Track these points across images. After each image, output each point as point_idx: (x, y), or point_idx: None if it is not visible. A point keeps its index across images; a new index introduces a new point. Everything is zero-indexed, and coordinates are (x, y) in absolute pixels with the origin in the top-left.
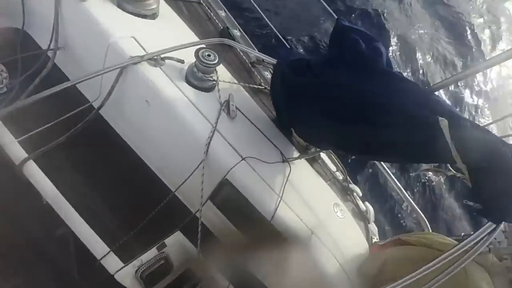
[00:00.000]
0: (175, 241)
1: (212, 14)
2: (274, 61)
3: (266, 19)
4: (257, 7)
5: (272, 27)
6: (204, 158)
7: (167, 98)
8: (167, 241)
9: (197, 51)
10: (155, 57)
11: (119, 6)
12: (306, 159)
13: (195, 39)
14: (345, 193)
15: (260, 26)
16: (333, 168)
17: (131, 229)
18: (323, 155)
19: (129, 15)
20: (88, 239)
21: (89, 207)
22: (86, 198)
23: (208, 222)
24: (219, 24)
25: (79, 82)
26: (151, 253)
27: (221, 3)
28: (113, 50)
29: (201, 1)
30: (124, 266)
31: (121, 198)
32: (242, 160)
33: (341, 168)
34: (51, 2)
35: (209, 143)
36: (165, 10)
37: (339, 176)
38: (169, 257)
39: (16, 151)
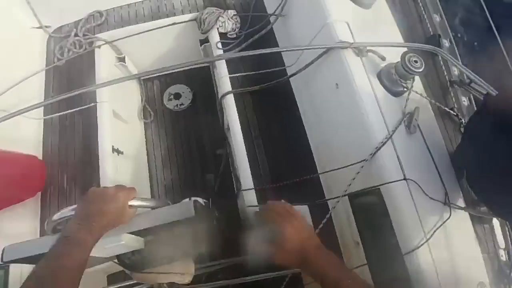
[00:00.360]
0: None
1: (425, 16)
2: (489, 89)
3: (496, 32)
4: (488, 16)
5: (500, 42)
6: (368, 159)
7: (357, 89)
8: (295, 208)
9: (405, 54)
10: (361, 48)
11: None
12: (470, 215)
13: (399, 38)
14: (499, 280)
15: (480, 39)
16: (500, 243)
17: (273, 183)
18: (495, 220)
19: (348, 0)
20: (243, 170)
21: (253, 147)
22: (254, 139)
23: (335, 216)
24: (429, 28)
25: (287, 51)
26: None
27: (439, 5)
28: (327, 30)
29: (419, 0)
30: (257, 206)
31: (277, 155)
32: (404, 179)
33: (511, 248)
34: None
35: (380, 148)
36: (380, 1)
37: (503, 256)
38: None
39: (225, 83)
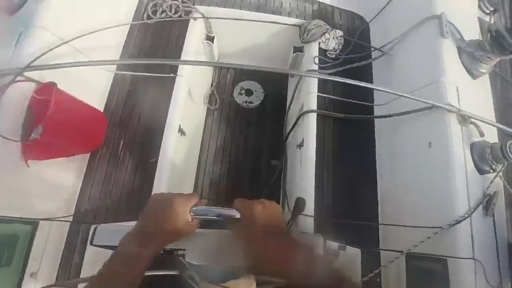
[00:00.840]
0: (351, 255)
1: None
2: None
3: None
4: None
5: None
6: (444, 228)
7: (453, 156)
8: (348, 248)
9: (507, 140)
10: (466, 117)
11: (459, 52)
12: None
13: (492, 116)
14: None
15: None
16: None
17: (333, 217)
18: None
19: (461, 65)
20: (307, 193)
21: (322, 172)
22: (326, 165)
23: (385, 269)
24: None
25: (381, 90)
26: (333, 245)
27: None
28: (437, 86)
29: None
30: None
31: (343, 188)
32: (472, 258)
33: None
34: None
35: (459, 222)
36: (485, 76)
37: None
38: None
39: (311, 100)
